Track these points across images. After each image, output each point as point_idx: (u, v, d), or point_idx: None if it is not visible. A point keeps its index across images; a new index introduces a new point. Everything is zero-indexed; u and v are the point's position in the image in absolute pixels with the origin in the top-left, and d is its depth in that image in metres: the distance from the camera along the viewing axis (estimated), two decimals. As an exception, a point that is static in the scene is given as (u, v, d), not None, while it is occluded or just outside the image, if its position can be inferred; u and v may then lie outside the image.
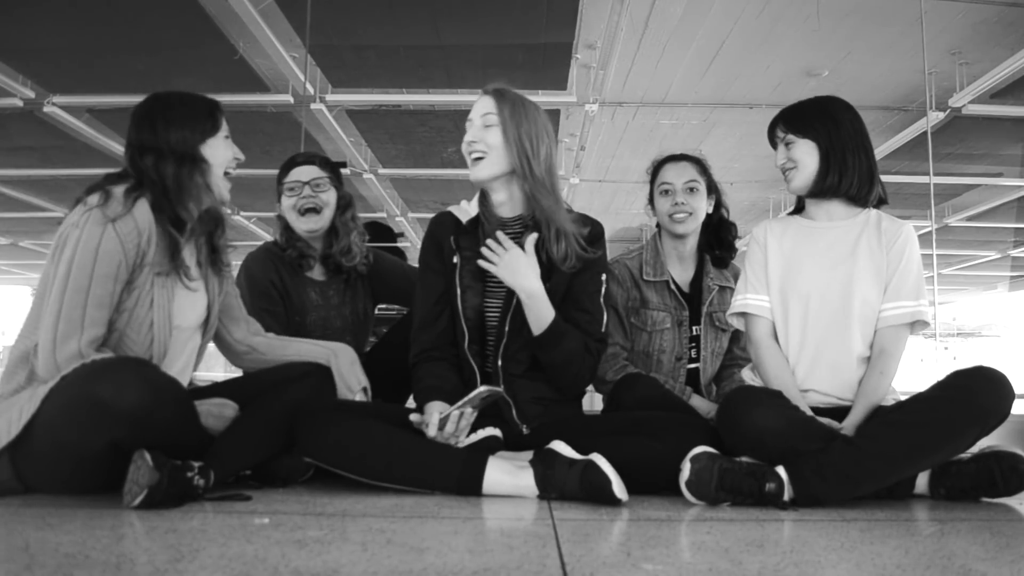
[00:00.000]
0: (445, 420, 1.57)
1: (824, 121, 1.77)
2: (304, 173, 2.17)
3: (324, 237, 2.22)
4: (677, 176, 2.19)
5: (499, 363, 1.76)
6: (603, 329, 1.80)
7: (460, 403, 1.56)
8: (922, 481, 1.61)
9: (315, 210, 2.15)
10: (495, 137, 1.74)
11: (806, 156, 1.78)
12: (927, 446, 1.52)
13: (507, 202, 1.80)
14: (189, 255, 1.67)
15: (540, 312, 1.70)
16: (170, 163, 1.57)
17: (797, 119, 1.81)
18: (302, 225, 2.16)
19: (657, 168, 2.27)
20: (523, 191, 1.77)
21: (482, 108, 1.77)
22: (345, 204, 2.23)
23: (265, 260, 2.15)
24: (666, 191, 2.21)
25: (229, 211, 1.83)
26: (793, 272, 1.80)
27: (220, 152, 1.65)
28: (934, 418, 1.51)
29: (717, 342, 2.24)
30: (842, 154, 1.75)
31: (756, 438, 1.55)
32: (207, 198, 1.66)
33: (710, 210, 2.23)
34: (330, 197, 2.18)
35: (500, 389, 1.62)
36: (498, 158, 1.74)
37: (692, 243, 2.23)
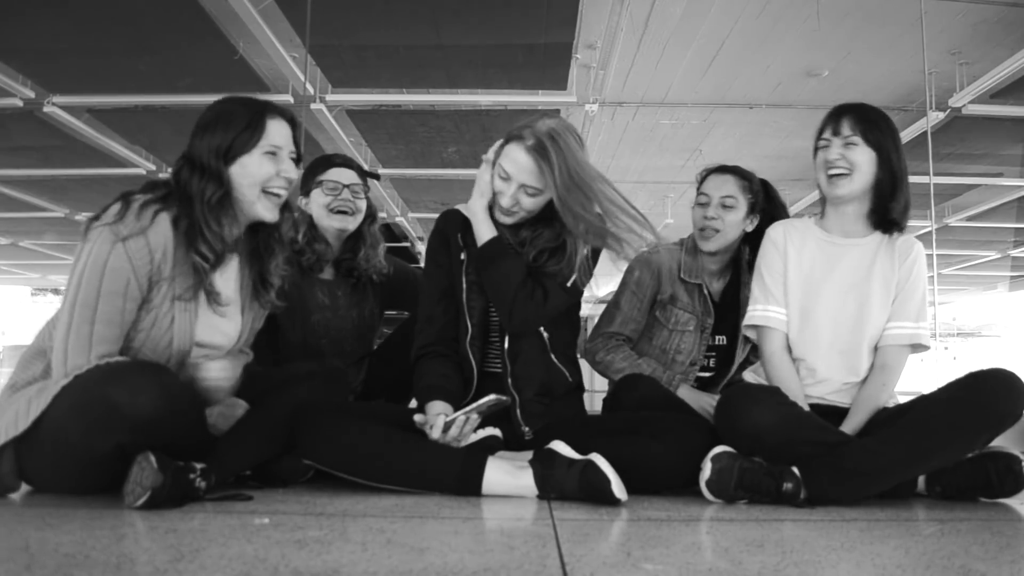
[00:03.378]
0: (450, 424, 1.56)
1: (893, 138, 1.70)
2: (344, 176, 2.16)
3: (344, 240, 2.19)
4: (715, 189, 2.12)
5: (505, 358, 1.77)
6: (564, 288, 1.74)
7: (467, 409, 1.56)
8: (920, 479, 1.62)
9: (348, 213, 2.14)
10: (529, 202, 1.72)
11: (866, 164, 1.70)
12: (942, 447, 1.52)
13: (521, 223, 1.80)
14: (225, 280, 1.60)
15: (479, 230, 1.75)
16: (196, 176, 1.50)
17: (871, 122, 1.70)
18: (334, 223, 2.12)
19: (703, 178, 2.20)
20: (542, 216, 1.77)
21: (522, 175, 1.69)
22: (372, 215, 2.23)
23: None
24: (702, 203, 2.13)
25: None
26: (812, 294, 1.77)
27: (253, 170, 1.53)
28: (950, 421, 1.51)
29: (742, 354, 2.22)
30: (902, 181, 1.70)
31: (754, 435, 1.56)
32: (236, 220, 1.57)
33: (750, 228, 2.14)
34: (363, 205, 2.18)
35: (507, 399, 1.61)
36: (525, 215, 1.75)
37: (724, 259, 2.18)
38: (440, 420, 1.55)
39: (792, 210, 1.94)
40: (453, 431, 1.56)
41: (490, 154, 1.79)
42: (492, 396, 1.56)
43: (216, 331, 1.60)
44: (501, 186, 1.73)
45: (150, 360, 1.49)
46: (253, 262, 1.66)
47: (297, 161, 1.62)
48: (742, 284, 2.18)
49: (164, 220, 1.46)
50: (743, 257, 2.20)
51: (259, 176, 1.53)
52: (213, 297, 1.53)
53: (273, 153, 1.55)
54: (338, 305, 2.18)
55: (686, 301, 2.16)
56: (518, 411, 1.75)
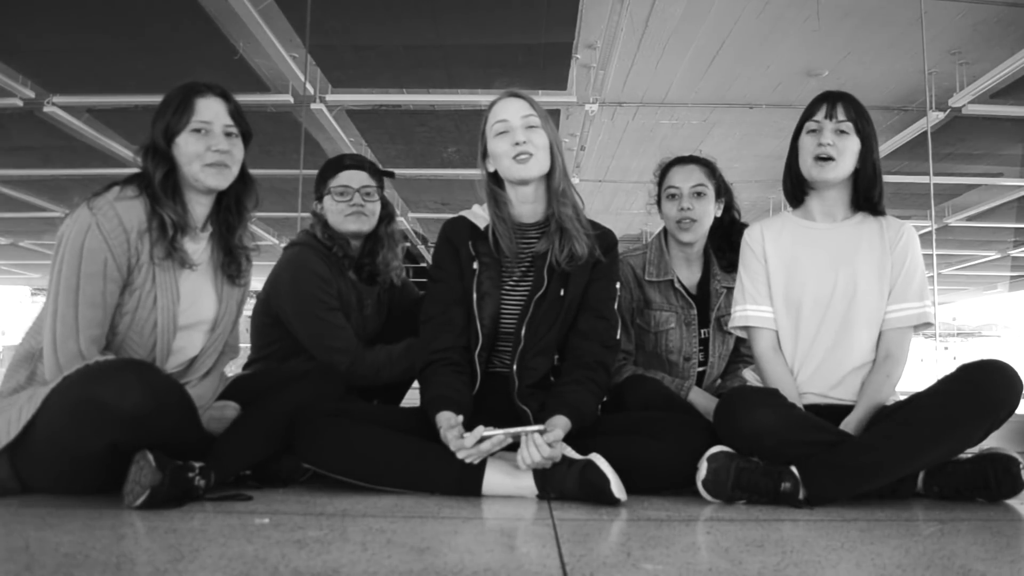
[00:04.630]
0: (485, 438, 1.49)
1: (874, 131, 1.75)
2: (355, 179, 2.11)
3: (363, 243, 2.16)
4: (684, 180, 2.15)
5: (514, 368, 1.74)
6: (617, 336, 1.80)
7: (509, 430, 1.50)
8: (919, 478, 1.62)
9: (363, 214, 2.10)
10: (541, 138, 1.75)
11: (851, 153, 1.73)
12: (938, 441, 1.52)
13: (532, 204, 1.79)
14: (197, 254, 1.63)
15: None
16: (150, 159, 1.57)
17: (861, 113, 1.73)
18: (349, 226, 2.09)
19: (664, 171, 2.22)
20: (551, 192, 1.79)
21: (521, 110, 1.75)
22: (389, 215, 2.19)
23: (319, 259, 2.05)
24: (672, 195, 2.16)
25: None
26: (797, 278, 1.78)
27: (187, 147, 1.57)
28: (945, 414, 1.51)
29: (724, 346, 2.21)
30: (879, 172, 1.75)
31: (754, 437, 1.55)
32: (197, 193, 1.62)
33: (719, 213, 2.19)
34: (376, 207, 2.14)
35: (546, 429, 1.54)
36: (544, 158, 1.75)
37: (699, 246, 2.20)
38: (478, 431, 1.50)
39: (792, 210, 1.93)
40: (485, 446, 1.50)
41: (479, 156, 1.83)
42: (538, 426, 1.51)
43: (196, 309, 1.63)
44: (505, 138, 1.74)
45: (136, 354, 1.54)
46: (221, 235, 1.70)
47: (246, 137, 1.66)
48: (712, 276, 2.20)
49: (136, 203, 1.52)
50: (710, 248, 2.24)
51: (192, 152, 1.57)
52: (181, 255, 1.56)
53: (200, 130, 1.58)
54: (364, 309, 2.15)
55: (660, 301, 2.17)
56: (531, 419, 1.73)
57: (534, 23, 3.99)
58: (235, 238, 1.70)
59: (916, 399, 1.59)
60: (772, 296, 1.81)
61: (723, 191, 2.21)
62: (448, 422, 1.55)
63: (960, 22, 4.01)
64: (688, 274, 2.21)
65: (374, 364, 1.99)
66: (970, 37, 4.16)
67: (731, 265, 2.21)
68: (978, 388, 1.51)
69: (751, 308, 1.81)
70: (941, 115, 4.85)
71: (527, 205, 1.79)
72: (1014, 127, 5.20)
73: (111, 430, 1.32)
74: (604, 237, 1.82)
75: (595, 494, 1.48)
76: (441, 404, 1.62)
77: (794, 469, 1.52)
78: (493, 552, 1.12)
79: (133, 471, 1.33)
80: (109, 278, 1.48)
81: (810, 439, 1.55)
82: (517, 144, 1.72)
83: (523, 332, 1.74)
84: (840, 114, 1.72)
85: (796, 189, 1.83)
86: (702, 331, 2.19)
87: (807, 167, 1.76)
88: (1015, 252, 9.73)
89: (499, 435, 1.49)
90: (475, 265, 1.76)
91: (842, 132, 1.72)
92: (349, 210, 2.08)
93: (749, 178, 6.54)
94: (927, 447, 1.52)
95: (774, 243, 1.82)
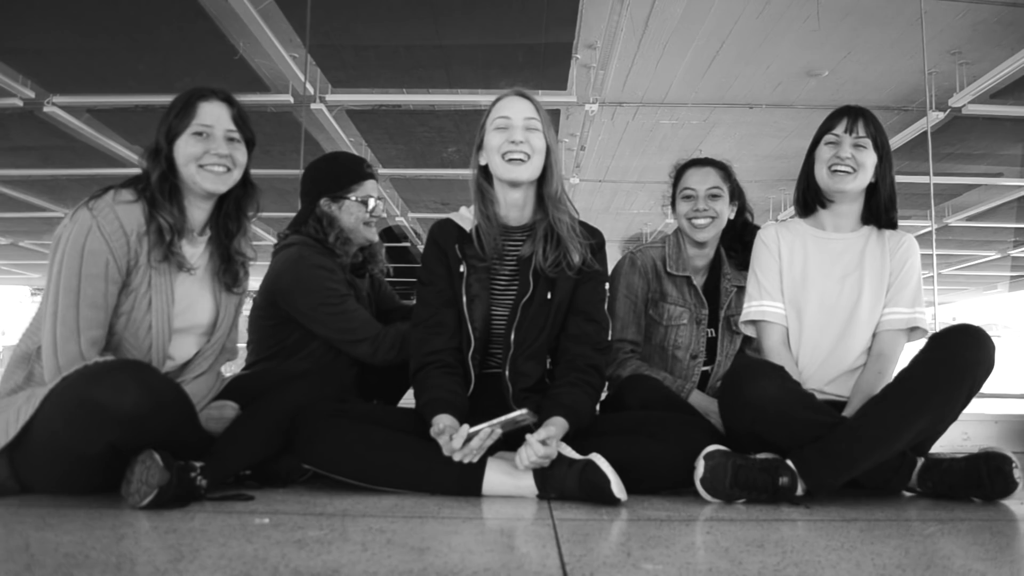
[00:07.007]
0: (472, 435, 1.50)
1: (889, 146, 1.82)
2: (376, 189, 2.19)
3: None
4: (700, 182, 2.17)
5: (506, 374, 1.74)
6: (609, 337, 1.80)
7: (493, 422, 1.50)
8: (914, 473, 1.63)
9: (380, 222, 2.18)
10: (539, 141, 1.75)
11: (870, 167, 1.79)
12: (923, 410, 1.54)
13: (521, 208, 1.79)
14: (194, 254, 1.64)
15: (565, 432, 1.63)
16: (151, 159, 1.58)
17: (880, 129, 1.81)
18: (369, 235, 2.17)
19: (680, 172, 2.24)
20: (542, 198, 1.78)
21: (524, 111, 1.75)
22: None
23: (325, 258, 2.07)
24: (688, 196, 2.18)
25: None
26: (805, 284, 1.83)
27: (186, 149, 1.57)
28: (924, 383, 1.55)
29: (732, 345, 2.22)
30: (892, 184, 1.81)
31: (758, 407, 1.57)
32: (195, 197, 1.62)
33: (732, 215, 2.21)
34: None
35: (534, 416, 1.54)
36: (538, 162, 1.75)
37: (712, 247, 2.21)
38: (463, 430, 1.50)
39: (793, 211, 1.97)
40: (475, 443, 1.50)
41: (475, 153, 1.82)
42: (523, 411, 1.51)
43: (191, 312, 1.63)
44: (503, 134, 1.73)
45: (132, 356, 1.53)
46: (220, 241, 1.69)
47: (249, 143, 1.66)
48: (723, 276, 2.22)
49: (136, 206, 1.52)
50: (721, 249, 2.25)
51: (190, 154, 1.57)
52: (179, 259, 1.57)
53: (201, 133, 1.59)
54: (360, 301, 2.16)
55: (676, 295, 2.18)
56: (511, 401, 1.73)
57: (534, 23, 3.99)
58: (233, 244, 1.70)
59: (896, 378, 1.63)
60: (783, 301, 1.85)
61: (737, 194, 2.23)
62: (436, 428, 1.55)
63: (960, 22, 4.01)
64: (697, 274, 2.23)
65: (393, 342, 2.03)
66: (970, 37, 4.16)
67: (742, 264, 2.23)
68: (950, 351, 1.56)
69: (767, 304, 1.84)
70: (941, 115, 4.85)
71: (514, 209, 1.78)
72: (1014, 127, 5.21)
73: (109, 430, 1.32)
74: (592, 237, 1.82)
75: (595, 494, 1.48)
76: (437, 407, 1.61)
77: (789, 463, 1.53)
78: (493, 552, 1.12)
79: (139, 471, 1.34)
80: (110, 279, 1.48)
81: (809, 417, 1.57)
82: (514, 142, 1.71)
83: (512, 337, 1.74)
84: (860, 129, 1.78)
85: (809, 198, 1.87)
86: (709, 331, 2.20)
87: (823, 177, 1.81)
88: (1015, 252, 9.73)
89: (485, 428, 1.49)
90: (462, 268, 1.75)
91: (860, 147, 1.78)
92: (371, 219, 2.15)
93: (749, 178, 6.49)
94: (913, 417, 1.54)
95: (788, 246, 1.86)
